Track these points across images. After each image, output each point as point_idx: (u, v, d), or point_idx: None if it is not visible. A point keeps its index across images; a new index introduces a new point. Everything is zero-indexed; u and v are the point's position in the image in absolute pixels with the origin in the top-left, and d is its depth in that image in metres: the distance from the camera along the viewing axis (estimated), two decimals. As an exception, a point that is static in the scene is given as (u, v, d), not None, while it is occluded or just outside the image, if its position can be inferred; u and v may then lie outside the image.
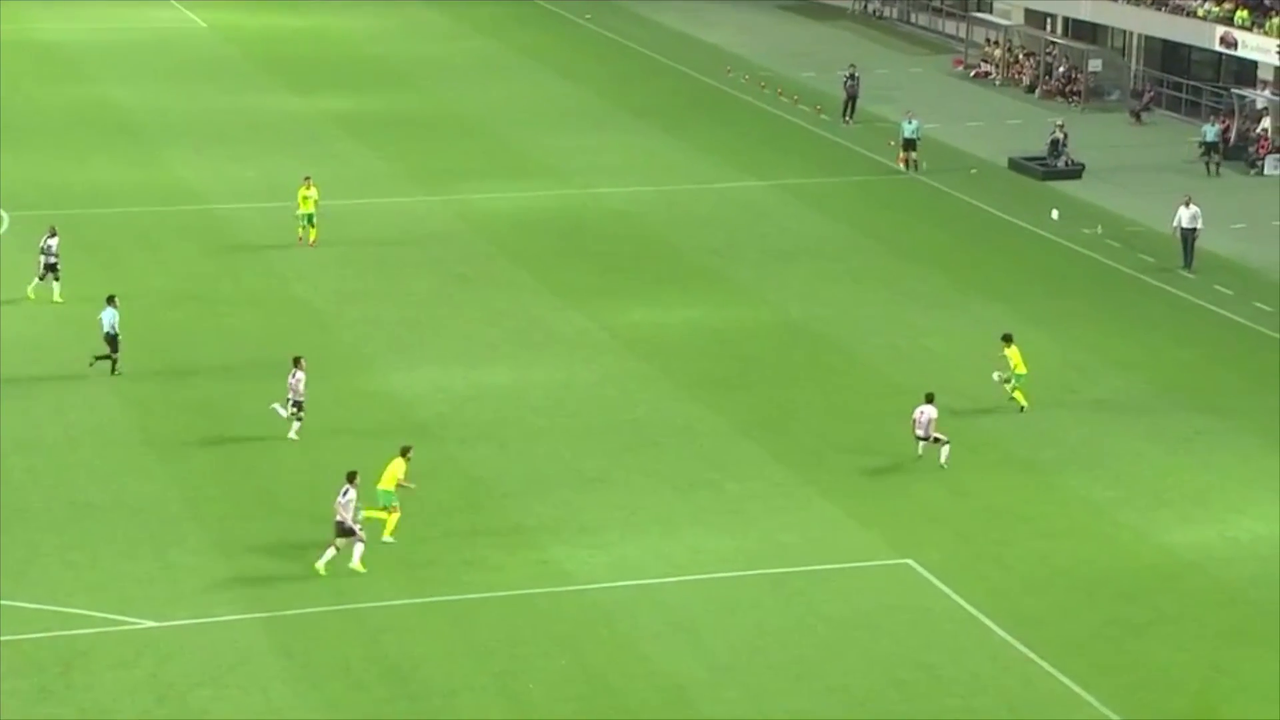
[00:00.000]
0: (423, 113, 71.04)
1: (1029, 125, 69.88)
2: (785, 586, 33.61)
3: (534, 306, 49.23)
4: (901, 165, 63.19)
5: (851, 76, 70.32)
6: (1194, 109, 71.90)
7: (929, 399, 39.02)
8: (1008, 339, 41.88)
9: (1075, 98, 74.63)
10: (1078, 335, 47.69)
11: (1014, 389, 41.50)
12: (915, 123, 63.34)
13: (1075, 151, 64.32)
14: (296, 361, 39.37)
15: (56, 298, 47.57)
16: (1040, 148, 64.96)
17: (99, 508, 36.10)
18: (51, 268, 47.81)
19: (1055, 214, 58.09)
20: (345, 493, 33.46)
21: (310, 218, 52.34)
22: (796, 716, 29.26)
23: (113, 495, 36.71)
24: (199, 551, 34.15)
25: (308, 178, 53.08)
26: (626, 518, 36.23)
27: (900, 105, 70.70)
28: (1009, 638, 31.81)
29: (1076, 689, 30.17)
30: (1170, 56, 74.25)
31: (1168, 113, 72.78)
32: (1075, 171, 63.57)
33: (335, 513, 33.42)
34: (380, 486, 34.59)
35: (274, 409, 39.16)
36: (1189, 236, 53.48)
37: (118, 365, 43.10)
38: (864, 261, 53.96)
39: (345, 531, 33.26)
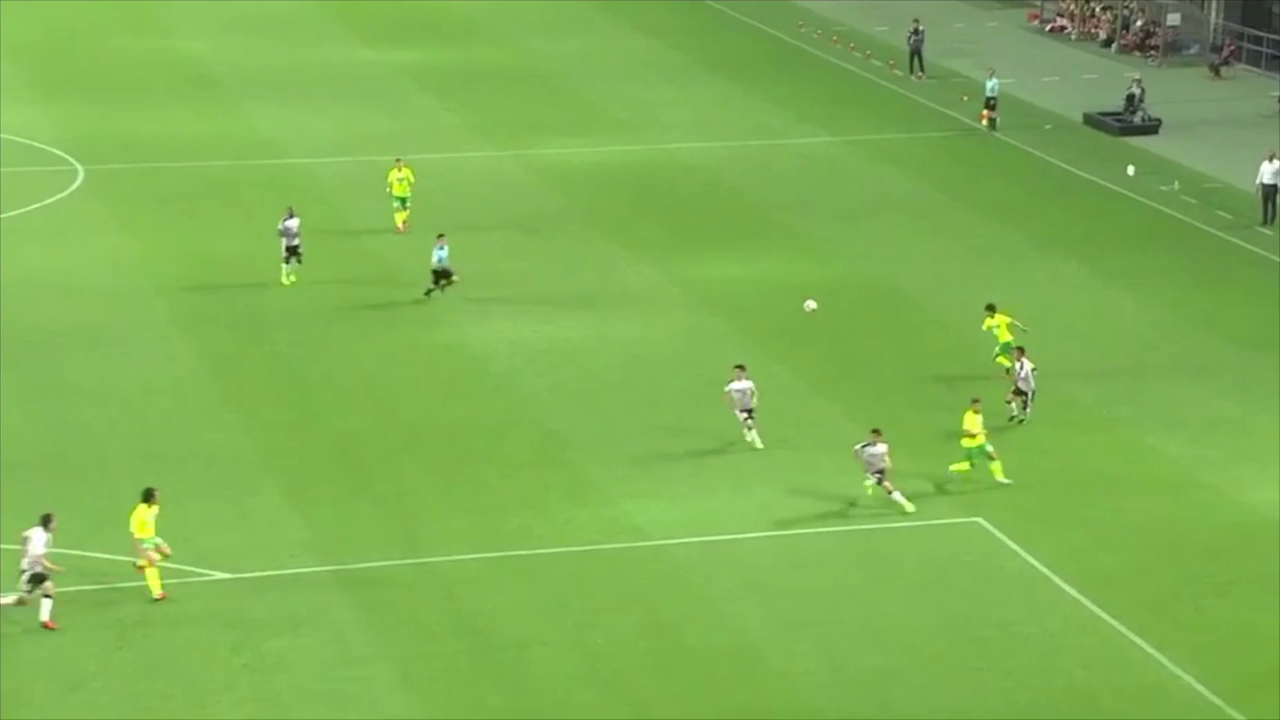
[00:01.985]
0: (496, 66, 70.97)
1: (1105, 80, 69.10)
2: (858, 543, 33.53)
3: (607, 261, 49.20)
4: (984, 123, 62.69)
5: (915, 31, 69.71)
6: (1275, 63, 70.87)
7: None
8: (990, 309, 41.07)
9: (1153, 52, 73.74)
10: (1155, 292, 47.23)
11: (996, 355, 40.75)
12: (994, 80, 62.84)
13: (1152, 107, 63.57)
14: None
15: (289, 278, 45.93)
16: (1117, 103, 64.24)
17: (176, 459, 36.40)
18: (293, 250, 46.14)
19: (1131, 170, 57.47)
20: (874, 445, 34.25)
21: (404, 200, 50.08)
22: (869, 673, 29.22)
23: (189, 447, 37.00)
24: (274, 504, 34.39)
25: (399, 159, 51.08)
26: (699, 473, 36.21)
27: (975, 60, 70.07)
28: (1083, 597, 31.61)
29: (1152, 650, 29.96)
30: (1251, 9, 73.19)
31: (1248, 67, 71.79)
32: (1152, 127, 62.83)
33: (860, 460, 34.51)
34: (964, 444, 35.29)
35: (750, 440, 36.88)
36: (1271, 192, 52.82)
37: (451, 285, 44.74)
38: (939, 218, 53.58)
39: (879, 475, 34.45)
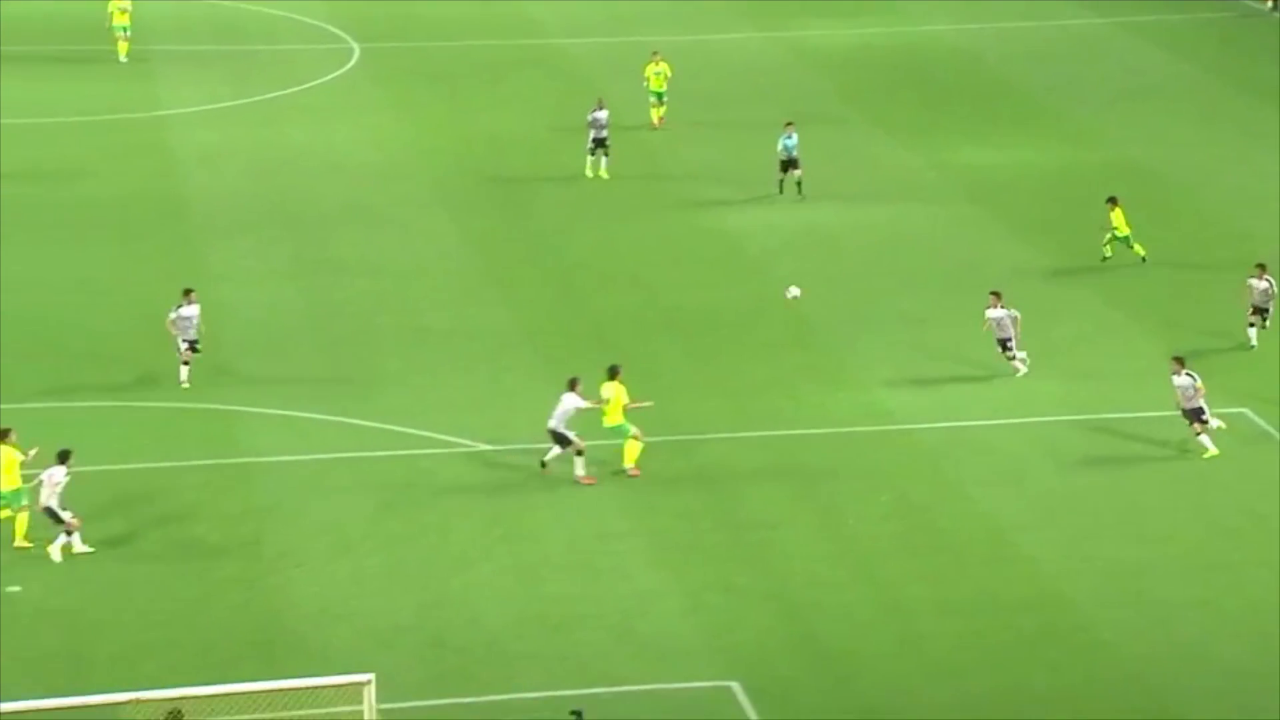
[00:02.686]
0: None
1: (1396, -42, 66.10)
2: (1112, 432, 33.16)
3: (864, 145, 48.94)
4: (1269, 4, 60.54)
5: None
6: None
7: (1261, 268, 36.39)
8: (1113, 201, 40.00)
9: None
10: None
11: (1108, 242, 39.91)
12: None
13: None
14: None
15: (602, 172, 45.39)
16: None
17: (440, 333, 37.46)
18: (600, 142, 45.16)
19: None
20: (1177, 374, 31.61)
21: (661, 95, 49.12)
22: (1120, 563, 29.01)
23: (453, 322, 38.04)
24: (533, 380, 35.18)
25: (656, 54, 49.94)
26: (951, 360, 36.09)
27: (1256, -63, 67.69)
28: (1347, 492, 30.90)
29: None
30: None
31: None
32: None
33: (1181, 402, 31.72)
34: None
35: None
36: None
37: (799, 176, 43.62)
38: (1211, 102, 52.11)
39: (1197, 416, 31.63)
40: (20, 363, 35.58)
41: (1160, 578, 28.57)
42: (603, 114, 45.51)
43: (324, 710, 22.35)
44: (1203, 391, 31.83)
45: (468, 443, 32.75)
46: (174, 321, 34.40)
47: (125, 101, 51.91)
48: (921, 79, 54.74)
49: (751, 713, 24.86)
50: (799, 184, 43.75)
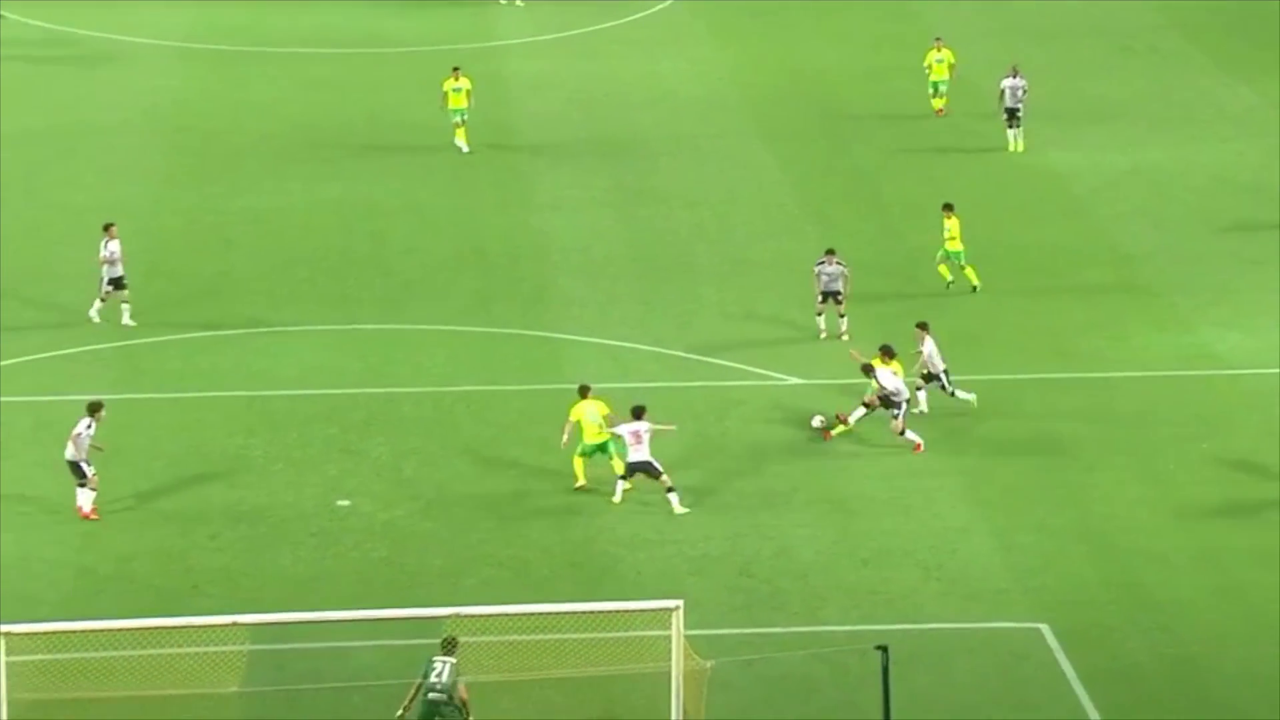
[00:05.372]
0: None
1: None
2: None
3: (1201, 80, 47.48)
4: None
5: None
6: None
7: None
8: (949, 208, 35.41)
9: None
10: None
11: (939, 260, 35.14)
12: None
13: None
14: None
15: (1019, 145, 42.27)
16: None
17: (757, 264, 37.63)
18: (1012, 113, 41.92)
19: None
20: None
21: (937, 85, 44.80)
22: None
23: (770, 254, 38.16)
24: (853, 313, 35.07)
25: (938, 39, 45.41)
26: (1284, 304, 34.97)
27: None
28: None
29: None
30: None
31: None
32: None
33: None
34: None
35: None
36: None
37: None
38: None
39: None
40: (356, 287, 36.93)
41: None
42: (1018, 81, 42.31)
43: (633, 633, 22.84)
44: None
45: (780, 376, 32.92)
46: None
47: (460, 32, 53.14)
48: (1263, 12, 52.69)
49: (1061, 656, 24.59)
50: None
